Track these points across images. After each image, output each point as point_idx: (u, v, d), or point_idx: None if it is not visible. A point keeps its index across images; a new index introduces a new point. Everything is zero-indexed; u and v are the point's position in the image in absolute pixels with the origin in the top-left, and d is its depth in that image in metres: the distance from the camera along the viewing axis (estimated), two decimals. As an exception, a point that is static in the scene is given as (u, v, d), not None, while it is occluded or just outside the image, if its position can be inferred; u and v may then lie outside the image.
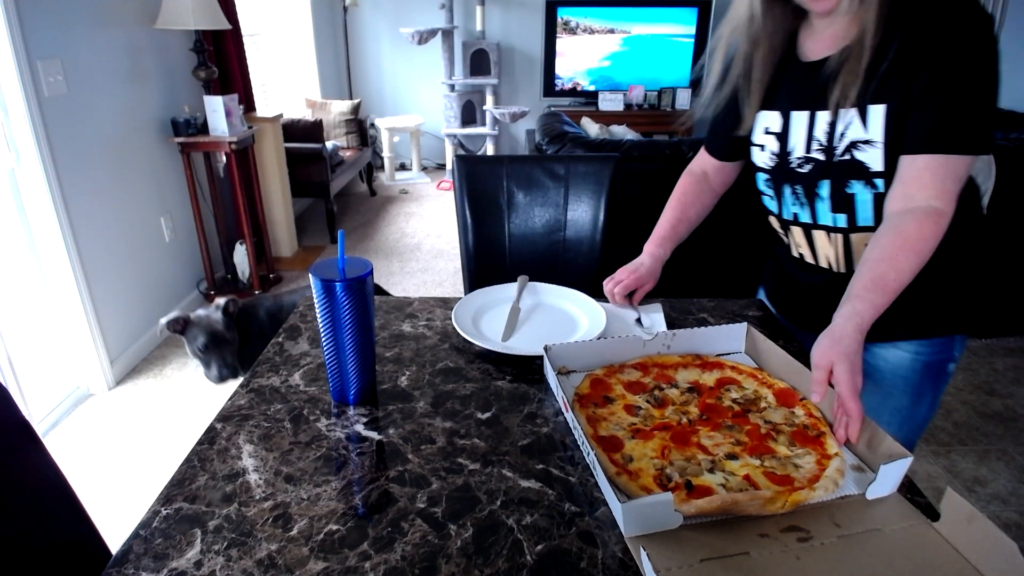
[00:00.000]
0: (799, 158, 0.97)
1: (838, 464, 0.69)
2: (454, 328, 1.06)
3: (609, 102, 5.15)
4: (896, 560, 0.60)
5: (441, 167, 5.72)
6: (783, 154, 0.99)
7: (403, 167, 5.69)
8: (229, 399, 0.88)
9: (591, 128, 3.36)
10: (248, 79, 3.43)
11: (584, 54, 5.23)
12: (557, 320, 1.10)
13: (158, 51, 2.79)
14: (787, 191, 1.01)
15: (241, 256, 3.09)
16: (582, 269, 1.60)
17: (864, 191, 0.92)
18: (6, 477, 0.70)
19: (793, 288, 1.13)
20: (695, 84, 5.19)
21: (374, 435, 0.81)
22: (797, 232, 1.04)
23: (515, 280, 1.20)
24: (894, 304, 0.88)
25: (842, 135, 0.90)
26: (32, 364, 2.23)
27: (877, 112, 0.86)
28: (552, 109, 4.19)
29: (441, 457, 0.76)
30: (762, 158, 1.03)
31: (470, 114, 5.22)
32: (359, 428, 0.82)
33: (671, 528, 0.64)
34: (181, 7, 2.60)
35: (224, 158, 3.09)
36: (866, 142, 0.88)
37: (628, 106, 5.21)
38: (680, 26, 5.11)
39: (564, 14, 5.10)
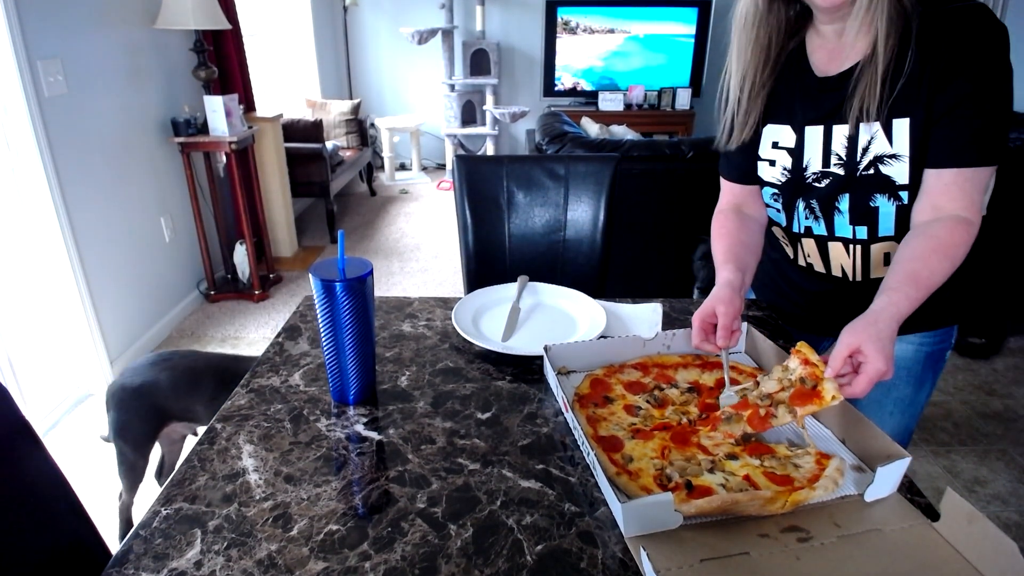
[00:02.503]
0: (816, 173, 0.95)
1: (838, 464, 0.69)
2: (454, 328, 1.06)
3: (609, 102, 5.15)
4: (896, 560, 0.60)
5: (441, 167, 5.72)
6: (798, 169, 0.97)
7: (403, 167, 5.69)
8: (229, 399, 0.88)
9: (591, 128, 3.36)
10: (248, 79, 3.43)
11: (584, 54, 5.23)
12: (557, 320, 1.10)
13: (158, 51, 2.79)
14: (800, 205, 1.00)
15: (241, 256, 3.09)
16: (582, 269, 1.60)
17: (888, 204, 0.91)
18: (6, 477, 0.70)
19: (795, 294, 1.12)
20: (695, 84, 5.20)
21: (374, 435, 0.81)
22: (809, 244, 1.03)
23: (515, 280, 1.20)
24: None
25: (865, 149, 0.89)
26: (32, 364, 2.23)
27: (902, 126, 0.86)
28: (552, 109, 4.19)
29: (441, 457, 0.76)
30: (772, 173, 1.00)
31: (470, 114, 5.22)
32: (359, 428, 0.82)
33: (671, 528, 0.64)
34: (181, 7, 2.60)
35: (224, 158, 3.09)
36: (892, 156, 0.88)
37: (628, 106, 5.20)
38: (680, 26, 5.10)
39: (564, 14, 5.10)
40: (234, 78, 3.26)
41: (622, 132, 3.47)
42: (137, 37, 2.64)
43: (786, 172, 0.98)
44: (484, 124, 5.17)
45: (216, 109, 2.79)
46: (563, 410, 0.84)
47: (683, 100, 5.16)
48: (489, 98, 5.12)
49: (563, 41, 5.18)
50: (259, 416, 0.84)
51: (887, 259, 0.98)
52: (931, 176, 0.86)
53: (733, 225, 1.05)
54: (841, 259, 1.01)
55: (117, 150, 2.52)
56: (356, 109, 4.62)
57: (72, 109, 2.25)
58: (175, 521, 0.67)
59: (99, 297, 2.39)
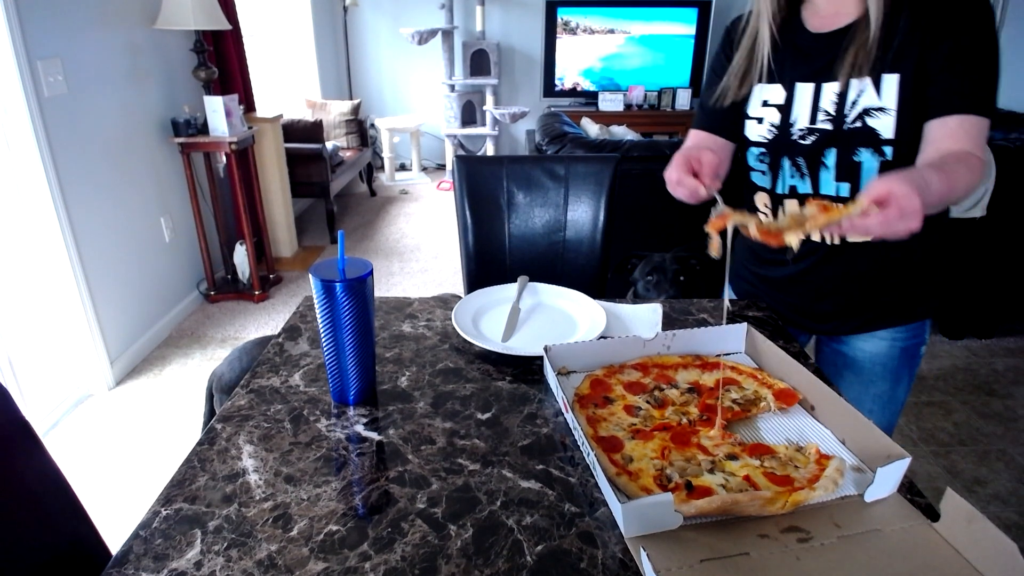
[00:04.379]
0: (801, 130, 0.99)
1: (837, 464, 0.69)
2: (454, 328, 1.06)
3: (609, 102, 5.15)
4: (896, 560, 0.60)
5: (441, 167, 5.72)
6: (784, 126, 1.00)
7: (403, 167, 5.69)
8: (229, 399, 0.88)
9: (591, 128, 3.36)
10: (248, 79, 3.43)
11: (584, 54, 5.23)
12: (557, 320, 1.10)
13: (158, 51, 2.79)
14: (786, 163, 1.02)
15: (241, 256, 3.09)
16: (582, 269, 1.60)
17: (872, 159, 0.94)
18: (6, 477, 0.70)
19: (765, 284, 1.17)
20: (695, 84, 5.19)
21: (374, 435, 0.81)
22: (792, 206, 1.05)
23: (515, 280, 1.20)
24: (871, 297, 1.03)
25: (854, 103, 0.93)
26: (32, 364, 2.23)
27: (891, 81, 0.89)
28: (552, 109, 4.19)
29: (441, 457, 0.76)
30: (759, 131, 1.03)
31: (470, 114, 5.22)
32: (359, 428, 0.82)
33: (671, 528, 0.64)
34: (181, 7, 2.60)
35: (224, 158, 3.09)
36: (879, 109, 0.91)
37: (628, 106, 5.21)
38: (680, 26, 5.11)
39: (564, 14, 5.10)
40: (234, 78, 3.26)
41: (622, 132, 3.47)
42: (137, 37, 2.64)
43: (773, 129, 1.02)
44: (484, 124, 5.17)
45: (216, 109, 2.79)
46: (563, 410, 0.84)
47: (683, 100, 5.16)
48: (489, 98, 5.13)
49: (563, 41, 5.18)
50: (259, 416, 0.84)
51: None
52: (934, 126, 0.89)
53: (700, 140, 1.10)
54: None
55: (117, 150, 2.52)
56: (356, 109, 4.62)
57: (72, 109, 2.25)
58: (175, 521, 0.67)
59: (99, 297, 2.39)
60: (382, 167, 5.39)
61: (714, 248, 0.78)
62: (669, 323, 1.10)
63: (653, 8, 5.05)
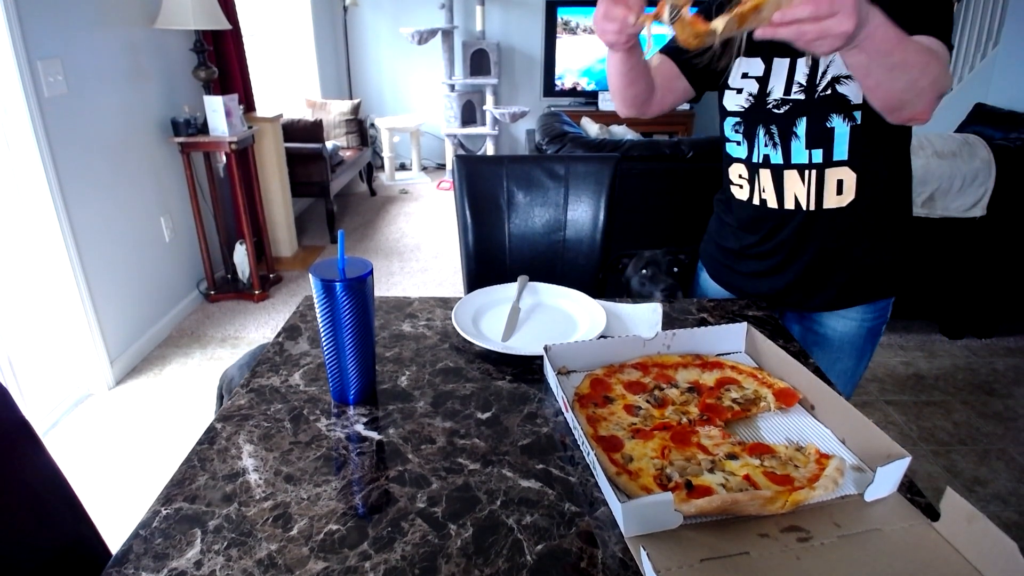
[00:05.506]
0: (776, 100, 1.06)
1: (837, 463, 0.69)
2: (454, 328, 1.06)
3: (609, 102, 5.14)
4: (896, 560, 0.60)
5: (441, 167, 5.72)
6: (761, 95, 1.07)
7: (403, 167, 5.69)
8: (229, 399, 0.88)
9: (591, 128, 3.36)
10: (248, 79, 3.43)
11: (584, 54, 5.23)
12: (557, 320, 1.10)
13: (158, 51, 2.79)
14: (760, 132, 1.09)
15: (241, 256, 3.09)
16: (582, 269, 1.60)
17: (843, 124, 1.01)
18: (6, 477, 0.70)
19: (734, 259, 1.24)
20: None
21: (374, 435, 0.81)
22: (765, 175, 1.11)
23: (515, 280, 1.20)
24: (842, 277, 1.11)
25: (824, 72, 1.00)
26: (32, 364, 2.23)
27: None
28: (552, 109, 4.19)
29: (441, 457, 0.76)
30: (737, 101, 1.10)
31: (470, 114, 5.22)
32: (359, 428, 0.82)
33: (671, 528, 0.64)
34: (181, 7, 2.60)
35: (224, 158, 3.09)
36: (847, 77, 0.98)
37: (628, 106, 5.20)
38: (680, 26, 5.10)
39: (564, 14, 5.10)
40: (234, 78, 3.26)
41: (622, 132, 3.47)
42: (137, 37, 2.64)
43: (750, 98, 1.08)
44: (484, 124, 5.17)
45: (216, 109, 2.79)
46: (563, 410, 0.84)
47: (683, 100, 5.15)
48: (489, 98, 5.12)
49: (563, 41, 5.18)
50: (259, 416, 0.84)
51: (840, 187, 1.06)
52: None
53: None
54: (796, 188, 1.09)
55: (117, 150, 2.52)
56: (356, 109, 4.62)
57: (72, 109, 2.25)
58: (175, 521, 0.67)
59: (99, 297, 2.39)
60: (382, 167, 5.39)
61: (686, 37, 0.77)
62: (669, 323, 1.10)
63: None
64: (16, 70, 1.98)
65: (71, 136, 2.25)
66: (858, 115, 1.00)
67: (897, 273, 1.14)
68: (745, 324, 0.97)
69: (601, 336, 1.00)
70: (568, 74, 5.30)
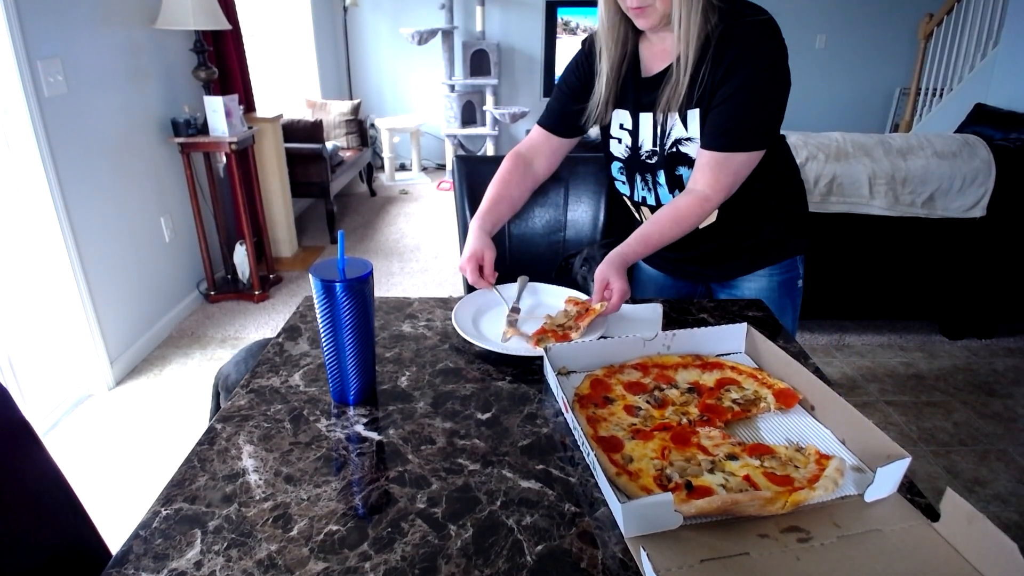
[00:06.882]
0: (648, 151, 1.18)
1: (837, 464, 0.69)
2: (454, 328, 1.06)
3: (609, 102, 5.14)
4: (896, 560, 0.60)
5: (441, 167, 5.72)
6: (635, 147, 1.19)
7: (403, 167, 5.69)
8: (229, 399, 0.88)
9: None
10: (248, 79, 3.43)
11: (584, 54, 5.23)
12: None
13: (158, 51, 2.79)
14: (638, 179, 1.23)
15: (241, 256, 3.09)
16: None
17: (689, 172, 1.14)
18: (6, 477, 0.70)
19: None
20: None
21: (374, 435, 0.81)
22: (645, 211, 1.26)
23: (515, 280, 1.20)
24: (749, 245, 1.24)
25: (668, 133, 1.13)
26: (32, 364, 2.23)
27: (695, 115, 1.08)
28: (552, 109, 4.18)
29: (441, 457, 0.76)
30: (619, 149, 1.23)
31: (470, 114, 5.22)
32: (359, 428, 0.82)
33: (671, 528, 0.64)
34: (181, 7, 2.60)
35: (224, 158, 3.09)
36: (687, 139, 1.11)
37: (628, 106, 5.20)
38: (680, 26, 5.10)
39: (564, 14, 5.10)
40: (234, 78, 3.26)
41: (622, 132, 3.46)
42: (137, 37, 2.64)
43: (628, 149, 1.21)
44: (484, 124, 5.18)
45: (216, 109, 2.79)
46: (563, 410, 0.84)
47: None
48: (489, 98, 5.12)
49: (563, 41, 5.18)
50: (259, 416, 0.84)
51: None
52: (699, 155, 1.09)
53: (515, 177, 1.27)
54: None
55: (117, 150, 2.52)
56: (356, 109, 4.62)
57: (72, 109, 2.25)
58: (175, 521, 0.67)
59: (99, 297, 2.39)
60: (382, 167, 5.39)
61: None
62: (669, 323, 1.10)
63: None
64: (16, 70, 1.98)
65: (71, 136, 2.24)
66: None
67: (791, 242, 1.26)
68: (745, 325, 0.97)
69: (601, 336, 1.00)
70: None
